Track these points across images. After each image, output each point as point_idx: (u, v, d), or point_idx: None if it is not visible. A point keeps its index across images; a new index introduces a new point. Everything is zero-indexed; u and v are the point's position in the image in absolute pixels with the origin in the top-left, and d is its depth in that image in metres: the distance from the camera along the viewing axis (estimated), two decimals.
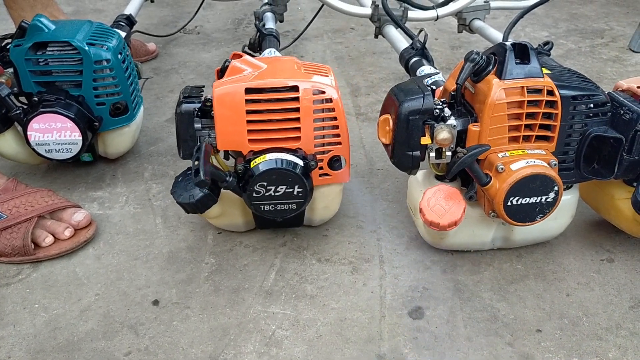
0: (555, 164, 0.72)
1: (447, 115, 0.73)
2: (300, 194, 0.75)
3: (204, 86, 0.82)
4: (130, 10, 1.32)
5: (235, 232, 0.88)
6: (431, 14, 1.28)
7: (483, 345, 0.69)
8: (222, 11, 1.87)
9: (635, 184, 0.76)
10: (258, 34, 1.19)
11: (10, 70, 0.93)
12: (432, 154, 0.75)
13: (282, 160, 0.74)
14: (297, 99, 0.75)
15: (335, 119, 0.77)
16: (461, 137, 0.73)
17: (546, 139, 0.73)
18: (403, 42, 1.14)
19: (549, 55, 0.87)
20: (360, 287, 0.78)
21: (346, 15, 1.30)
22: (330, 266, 0.82)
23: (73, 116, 0.89)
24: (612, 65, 1.43)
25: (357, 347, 0.70)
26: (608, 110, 0.73)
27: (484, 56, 0.72)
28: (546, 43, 0.87)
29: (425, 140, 0.73)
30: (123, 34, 1.13)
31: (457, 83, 0.72)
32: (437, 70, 0.95)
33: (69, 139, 0.91)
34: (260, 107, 0.75)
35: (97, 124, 0.93)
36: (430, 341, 0.70)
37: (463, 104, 0.74)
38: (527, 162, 0.70)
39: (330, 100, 0.76)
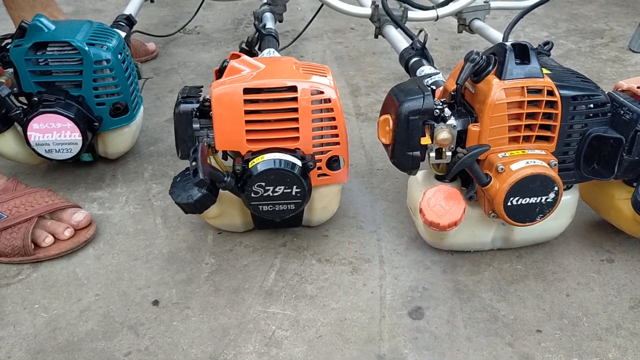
0: (555, 164, 0.72)
1: (447, 115, 0.73)
2: (298, 195, 0.75)
3: (202, 86, 0.82)
4: (130, 10, 1.32)
5: (236, 233, 0.88)
6: (431, 14, 1.28)
7: (483, 346, 0.69)
8: (222, 11, 1.87)
9: (635, 184, 0.76)
10: (257, 33, 1.19)
11: (10, 70, 0.93)
12: (432, 154, 0.75)
13: (280, 160, 0.74)
14: (295, 99, 0.75)
15: (333, 119, 0.77)
16: (461, 137, 0.73)
17: (546, 139, 0.73)
18: (403, 42, 1.14)
19: (549, 55, 0.87)
20: (360, 287, 0.78)
21: (346, 15, 1.30)
22: (330, 266, 0.82)
23: (73, 116, 0.89)
24: (612, 66, 1.43)
25: (357, 348, 0.70)
26: (608, 111, 0.73)
27: (484, 56, 0.72)
28: (546, 43, 0.87)
29: (425, 140, 0.73)
30: (123, 34, 1.13)
31: (457, 83, 0.72)
32: (437, 71, 0.95)
33: (68, 139, 0.91)
34: (258, 107, 0.75)
35: (97, 124, 0.93)
36: (430, 341, 0.70)
37: (463, 104, 0.74)
38: (527, 163, 0.70)
39: (328, 100, 0.76)
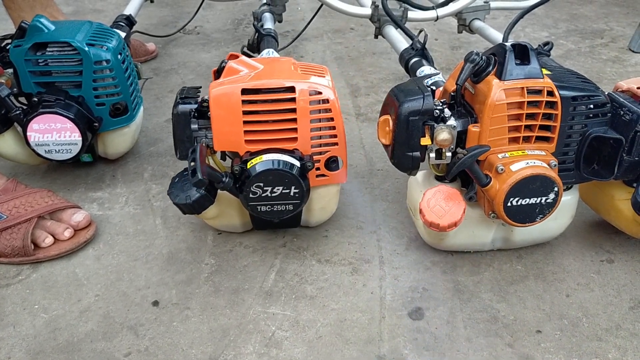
0: (555, 165, 0.72)
1: (447, 115, 0.73)
2: (296, 195, 0.75)
3: (200, 87, 0.82)
4: (129, 10, 1.32)
5: (235, 233, 0.88)
6: (431, 14, 1.28)
7: (483, 346, 0.69)
8: (222, 11, 1.87)
9: (635, 184, 0.76)
10: (256, 34, 1.19)
11: (10, 70, 0.93)
12: (432, 155, 0.75)
13: (278, 161, 0.74)
14: (293, 99, 0.75)
15: (332, 119, 0.77)
16: (461, 138, 0.73)
17: (546, 139, 0.73)
18: (403, 43, 1.14)
19: (549, 55, 0.87)
20: (360, 287, 0.78)
21: (346, 15, 1.30)
22: (330, 267, 0.82)
23: (73, 117, 0.89)
24: (611, 66, 1.43)
25: (357, 348, 0.70)
26: (608, 111, 0.73)
27: (483, 57, 0.72)
28: (546, 43, 0.87)
29: (425, 141, 0.73)
30: (123, 35, 1.13)
31: (457, 84, 0.72)
32: (437, 71, 0.95)
33: (68, 139, 0.91)
34: (256, 107, 0.75)
35: (96, 124, 0.93)
36: (430, 342, 0.70)
37: (463, 104, 0.74)
38: (527, 163, 0.70)
39: (327, 101, 0.76)
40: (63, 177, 1.02)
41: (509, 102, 0.70)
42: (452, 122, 0.73)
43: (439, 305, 0.75)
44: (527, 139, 0.73)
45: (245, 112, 0.75)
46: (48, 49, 0.91)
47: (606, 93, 0.75)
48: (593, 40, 1.59)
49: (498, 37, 1.21)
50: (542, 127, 0.72)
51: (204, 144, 0.74)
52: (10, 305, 0.76)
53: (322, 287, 0.78)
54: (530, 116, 0.72)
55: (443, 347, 0.70)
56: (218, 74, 0.81)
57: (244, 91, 0.74)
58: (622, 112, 0.73)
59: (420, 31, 1.09)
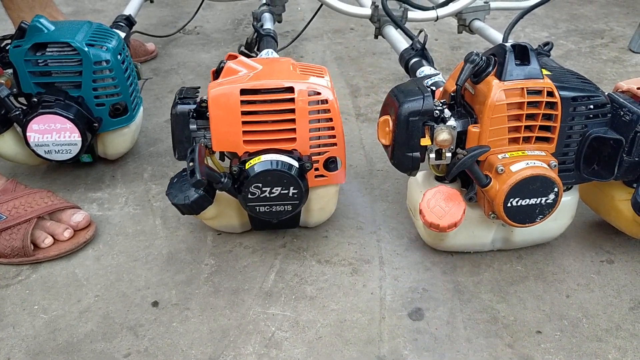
0: (555, 165, 0.72)
1: (447, 116, 0.73)
2: (295, 196, 0.75)
3: (199, 87, 0.82)
4: (129, 10, 1.32)
5: (235, 233, 0.88)
6: (431, 14, 1.28)
7: (483, 347, 0.69)
8: (222, 11, 1.87)
9: (635, 185, 0.76)
10: (255, 34, 1.19)
11: (10, 71, 0.93)
12: (432, 155, 0.75)
13: (277, 161, 0.73)
14: (292, 100, 0.75)
15: (330, 120, 0.77)
16: (461, 138, 0.73)
17: (546, 140, 0.73)
18: (403, 43, 1.14)
19: (549, 56, 0.87)
20: (360, 288, 0.78)
21: (346, 15, 1.30)
22: (330, 267, 0.82)
23: (72, 117, 0.89)
24: (612, 66, 1.43)
25: (357, 349, 0.69)
26: (608, 112, 0.73)
27: (483, 57, 0.71)
28: (546, 44, 0.87)
29: (425, 141, 0.73)
30: (122, 35, 1.13)
31: (457, 84, 0.72)
32: (437, 71, 0.95)
33: (68, 139, 0.91)
34: (255, 108, 0.75)
35: (96, 124, 0.93)
36: (430, 342, 0.70)
37: (463, 105, 0.74)
38: (527, 164, 0.70)
39: (325, 101, 0.76)
40: (63, 177, 1.02)
41: (509, 102, 0.70)
42: (452, 122, 0.73)
43: (439, 305, 0.75)
44: (527, 140, 0.73)
45: (243, 113, 0.75)
46: (48, 50, 0.91)
47: (606, 93, 0.75)
48: (593, 40, 1.59)
49: (498, 37, 1.21)
50: (542, 128, 0.72)
51: (202, 145, 0.74)
52: (10, 305, 0.76)
53: (322, 287, 0.78)
54: (530, 117, 0.71)
55: (443, 347, 0.69)
56: (217, 74, 0.81)
57: (243, 91, 0.74)
58: (622, 113, 0.73)
59: (420, 31, 1.09)
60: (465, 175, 0.74)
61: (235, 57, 0.83)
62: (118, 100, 0.95)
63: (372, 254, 0.84)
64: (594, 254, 0.83)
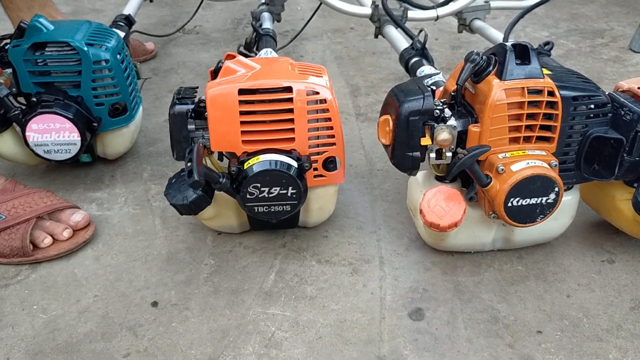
0: (555, 165, 0.72)
1: (447, 116, 0.73)
2: (294, 196, 0.75)
3: (197, 87, 0.82)
4: (129, 10, 1.31)
5: (235, 233, 0.87)
6: (431, 14, 1.28)
7: (483, 347, 0.69)
8: (222, 11, 1.87)
9: (635, 184, 0.76)
10: (255, 34, 1.19)
11: (9, 70, 0.93)
12: (432, 155, 0.74)
13: (276, 161, 0.73)
14: (291, 99, 0.74)
15: (329, 119, 0.77)
16: (461, 138, 0.73)
17: (547, 139, 0.73)
18: (403, 42, 1.14)
19: (550, 55, 0.87)
20: (360, 288, 0.78)
21: (346, 15, 1.30)
22: (330, 267, 0.82)
23: (72, 117, 0.89)
24: (612, 66, 1.43)
25: (357, 349, 0.69)
26: (608, 111, 0.73)
27: (484, 57, 0.71)
28: (546, 43, 0.86)
29: (426, 141, 0.73)
30: (122, 34, 1.13)
31: (457, 84, 0.72)
32: (438, 71, 0.95)
33: (67, 139, 0.90)
34: (253, 108, 0.75)
35: (96, 124, 0.93)
36: (430, 343, 0.70)
37: (463, 104, 0.74)
38: (528, 163, 0.70)
39: (324, 101, 0.76)
40: (62, 177, 1.02)
41: (510, 102, 0.70)
42: (452, 122, 0.72)
43: (439, 305, 0.75)
44: (527, 139, 0.72)
45: (242, 113, 0.74)
46: (47, 49, 0.91)
47: (607, 93, 0.75)
48: (594, 40, 1.59)
49: (498, 36, 1.20)
50: (543, 127, 0.72)
51: (201, 145, 0.74)
52: (9, 305, 0.76)
53: (322, 287, 0.78)
54: (530, 116, 0.71)
55: (443, 347, 0.69)
56: (215, 74, 0.81)
57: (241, 91, 0.74)
58: (622, 112, 0.73)
59: (421, 31, 1.09)
60: (466, 175, 0.74)
61: (233, 57, 0.83)
62: (117, 99, 0.95)
63: (372, 253, 0.84)
64: (595, 254, 0.83)
